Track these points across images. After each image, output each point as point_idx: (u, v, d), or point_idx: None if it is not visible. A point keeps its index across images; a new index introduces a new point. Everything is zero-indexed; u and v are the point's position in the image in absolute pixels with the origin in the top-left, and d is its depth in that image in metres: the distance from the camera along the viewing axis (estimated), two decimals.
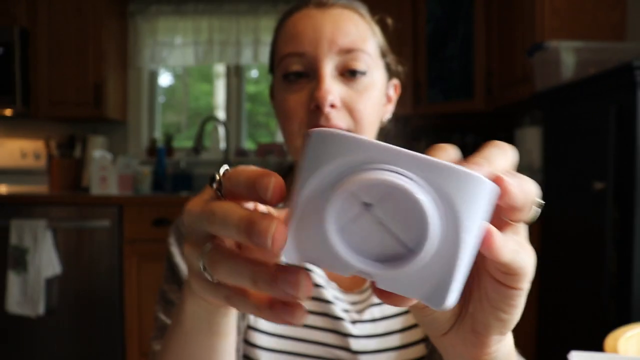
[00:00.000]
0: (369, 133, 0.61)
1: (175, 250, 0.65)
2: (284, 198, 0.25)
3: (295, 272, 0.25)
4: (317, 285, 0.64)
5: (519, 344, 0.46)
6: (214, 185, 0.29)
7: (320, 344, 0.62)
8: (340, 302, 0.64)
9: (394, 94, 0.70)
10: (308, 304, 0.63)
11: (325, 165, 0.23)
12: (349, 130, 0.56)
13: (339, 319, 0.62)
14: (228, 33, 2.97)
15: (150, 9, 2.98)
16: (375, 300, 0.64)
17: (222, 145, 2.99)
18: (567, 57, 1.71)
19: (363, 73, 0.59)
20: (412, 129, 2.79)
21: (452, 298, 0.23)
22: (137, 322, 2.35)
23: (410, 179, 0.22)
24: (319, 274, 0.65)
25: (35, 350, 2.34)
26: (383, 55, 0.64)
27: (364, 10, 0.64)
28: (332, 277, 0.67)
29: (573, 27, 1.91)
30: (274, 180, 0.25)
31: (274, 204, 0.25)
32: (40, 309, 2.25)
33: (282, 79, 0.61)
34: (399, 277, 0.23)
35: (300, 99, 0.59)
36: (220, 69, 3.17)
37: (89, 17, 2.66)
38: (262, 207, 0.31)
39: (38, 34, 2.64)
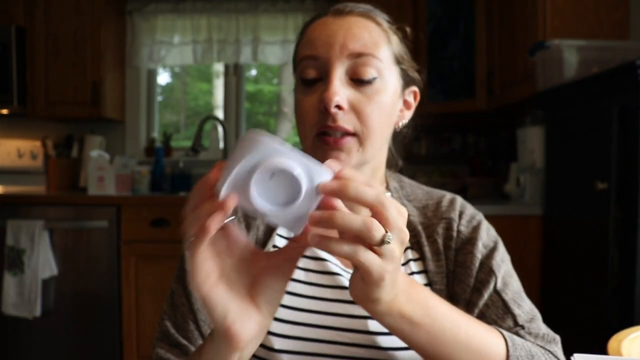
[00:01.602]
0: (378, 136, 0.64)
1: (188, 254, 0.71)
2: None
3: (222, 200, 0.41)
4: (321, 259, 0.68)
5: None
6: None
7: (329, 314, 0.65)
8: (346, 274, 0.68)
9: (412, 101, 0.72)
10: (315, 277, 0.68)
11: (251, 153, 0.41)
12: (355, 133, 0.62)
13: (347, 288, 0.65)
14: (227, 32, 2.95)
15: (149, 7, 2.96)
16: None
17: (221, 145, 2.97)
18: (570, 55, 1.70)
19: (369, 82, 0.62)
20: (413, 129, 2.77)
21: (300, 230, 0.43)
22: (135, 324, 2.34)
23: (295, 164, 0.41)
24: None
25: (32, 353, 2.32)
26: (398, 62, 0.67)
27: (381, 18, 0.67)
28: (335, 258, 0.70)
29: (575, 27, 1.89)
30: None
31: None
32: (37, 311, 2.23)
33: (300, 82, 0.66)
34: (280, 216, 0.42)
35: (312, 101, 0.64)
36: (219, 67, 3.15)
37: (87, 15, 2.64)
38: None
39: (35, 32, 2.62)
